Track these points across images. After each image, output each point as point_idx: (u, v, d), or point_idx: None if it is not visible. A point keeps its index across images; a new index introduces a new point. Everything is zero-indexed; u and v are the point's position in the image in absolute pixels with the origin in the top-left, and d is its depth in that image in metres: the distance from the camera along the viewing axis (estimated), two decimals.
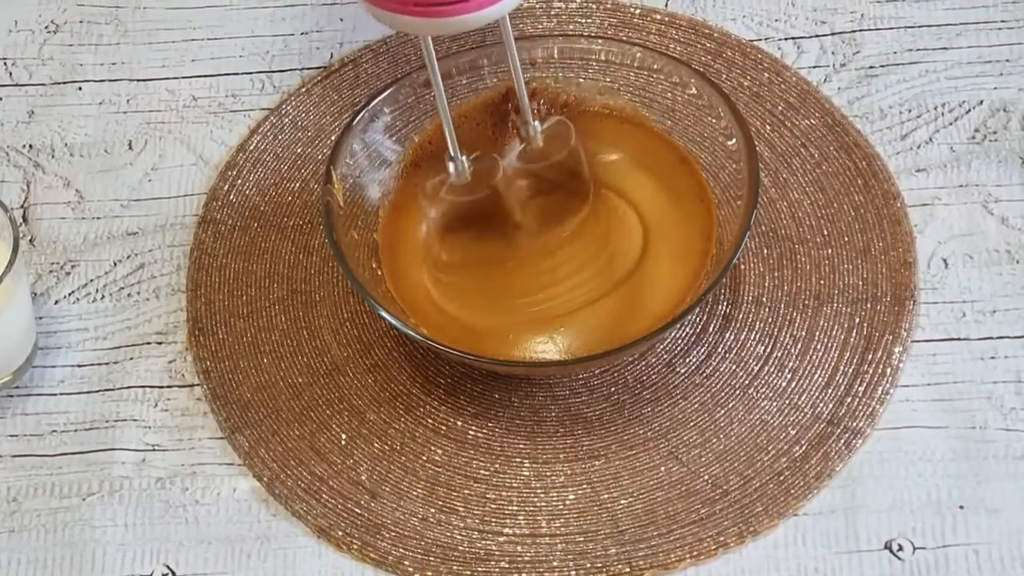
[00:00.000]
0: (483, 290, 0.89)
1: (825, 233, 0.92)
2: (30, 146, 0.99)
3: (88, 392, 0.90)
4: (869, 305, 0.90)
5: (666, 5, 1.02)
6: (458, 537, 0.85)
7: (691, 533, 0.84)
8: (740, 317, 0.90)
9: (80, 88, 1.02)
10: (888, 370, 0.88)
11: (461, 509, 0.85)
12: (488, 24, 0.79)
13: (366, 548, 0.85)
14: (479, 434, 0.88)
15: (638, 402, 0.88)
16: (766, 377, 0.88)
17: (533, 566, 0.83)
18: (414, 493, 0.86)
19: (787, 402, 0.87)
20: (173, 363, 0.91)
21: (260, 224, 0.95)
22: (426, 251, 0.90)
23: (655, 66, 0.91)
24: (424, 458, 0.87)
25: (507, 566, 0.84)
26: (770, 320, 0.90)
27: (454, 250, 0.90)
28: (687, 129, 0.92)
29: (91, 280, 0.94)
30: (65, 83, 1.02)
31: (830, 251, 0.92)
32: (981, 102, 0.96)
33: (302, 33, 1.03)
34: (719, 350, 0.89)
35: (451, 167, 0.88)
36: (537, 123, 0.89)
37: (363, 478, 0.87)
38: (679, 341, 0.90)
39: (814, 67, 0.99)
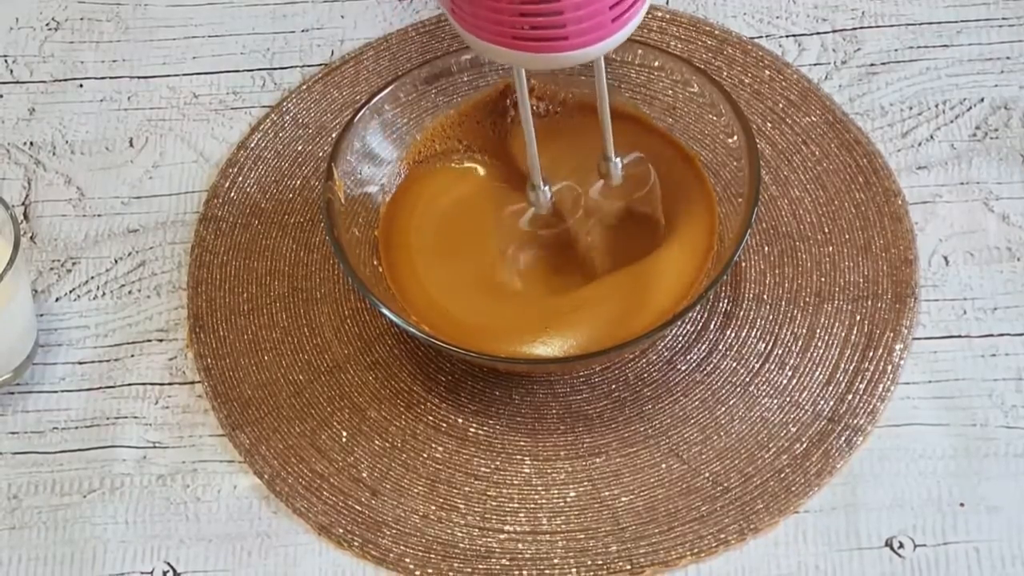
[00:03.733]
0: (484, 288, 0.89)
1: (826, 230, 0.92)
2: (31, 143, 0.99)
3: (89, 389, 0.90)
4: (870, 303, 0.90)
5: (667, 2, 1.02)
6: (459, 534, 0.85)
7: (692, 530, 0.84)
8: (741, 314, 0.90)
9: (81, 85, 1.02)
10: (889, 368, 0.88)
11: (462, 506, 0.85)
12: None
13: (367, 545, 0.85)
14: (480, 431, 0.88)
15: (639, 399, 0.88)
16: (767, 374, 0.88)
17: (534, 563, 0.83)
18: (415, 490, 0.86)
19: (788, 399, 0.87)
20: (174, 360, 0.91)
21: (261, 221, 0.95)
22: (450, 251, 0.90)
23: (656, 63, 0.91)
24: (425, 455, 0.87)
25: (508, 563, 0.84)
26: (771, 317, 0.90)
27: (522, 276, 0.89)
28: (688, 127, 0.92)
29: (92, 277, 0.94)
30: (66, 80, 1.02)
31: (831, 248, 0.92)
32: (982, 100, 0.96)
33: (303, 30, 1.03)
34: (720, 347, 0.89)
35: (532, 196, 0.88)
36: (618, 160, 0.88)
37: (364, 475, 0.87)
38: (680, 338, 0.90)
39: (815, 64, 0.99)
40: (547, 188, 0.88)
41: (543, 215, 0.89)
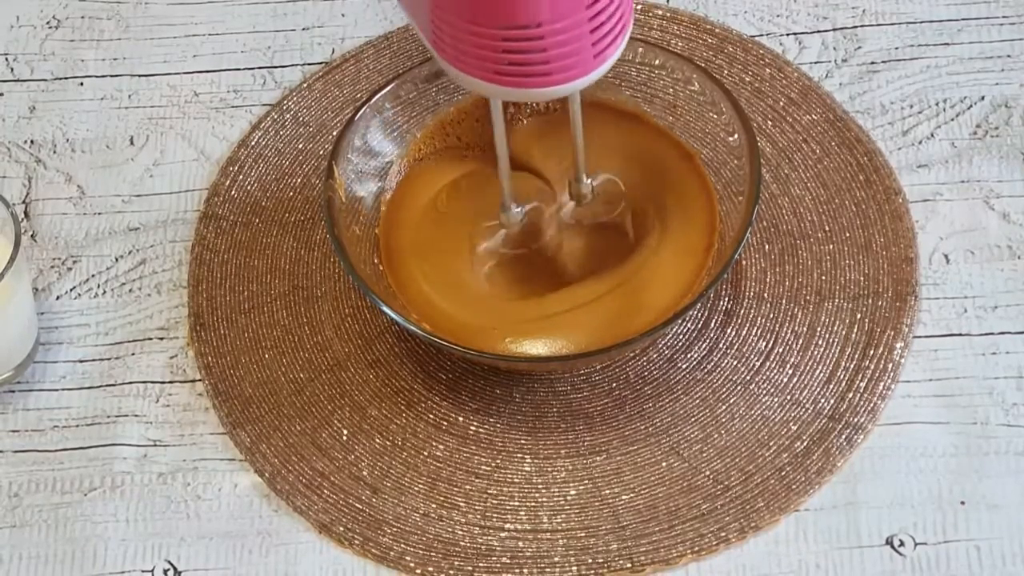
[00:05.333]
0: (485, 286, 0.89)
1: (826, 229, 0.92)
2: (31, 141, 0.99)
3: (89, 388, 0.90)
4: (870, 301, 0.90)
5: (668, 1, 1.02)
6: (459, 533, 0.85)
7: (692, 529, 0.84)
8: (741, 313, 0.90)
9: (81, 83, 1.02)
10: (889, 366, 0.88)
11: (463, 505, 0.85)
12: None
13: (367, 544, 0.85)
14: (480, 430, 0.88)
15: (639, 398, 0.88)
16: (767, 373, 0.88)
17: (534, 562, 0.83)
18: (415, 489, 0.86)
19: (788, 398, 0.87)
20: (174, 359, 0.91)
21: (262, 220, 0.95)
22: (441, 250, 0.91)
23: (657, 62, 0.91)
24: (426, 454, 0.87)
25: (508, 562, 0.84)
26: (771, 316, 0.90)
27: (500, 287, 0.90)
28: (689, 125, 0.92)
29: (92, 276, 0.94)
30: (66, 78, 1.02)
31: (831, 247, 0.92)
32: (983, 98, 0.96)
33: (303, 29, 1.03)
34: (720, 346, 0.89)
35: (503, 217, 0.88)
36: (588, 180, 0.89)
37: (364, 474, 0.87)
38: (681, 337, 0.90)
39: (816, 63, 0.99)
40: (520, 209, 0.89)
41: (514, 234, 0.89)
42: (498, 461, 0.87)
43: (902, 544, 0.83)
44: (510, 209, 0.88)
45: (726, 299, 0.90)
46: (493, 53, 0.75)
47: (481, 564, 0.84)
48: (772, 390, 0.87)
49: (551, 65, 0.75)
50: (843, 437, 0.86)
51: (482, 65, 0.75)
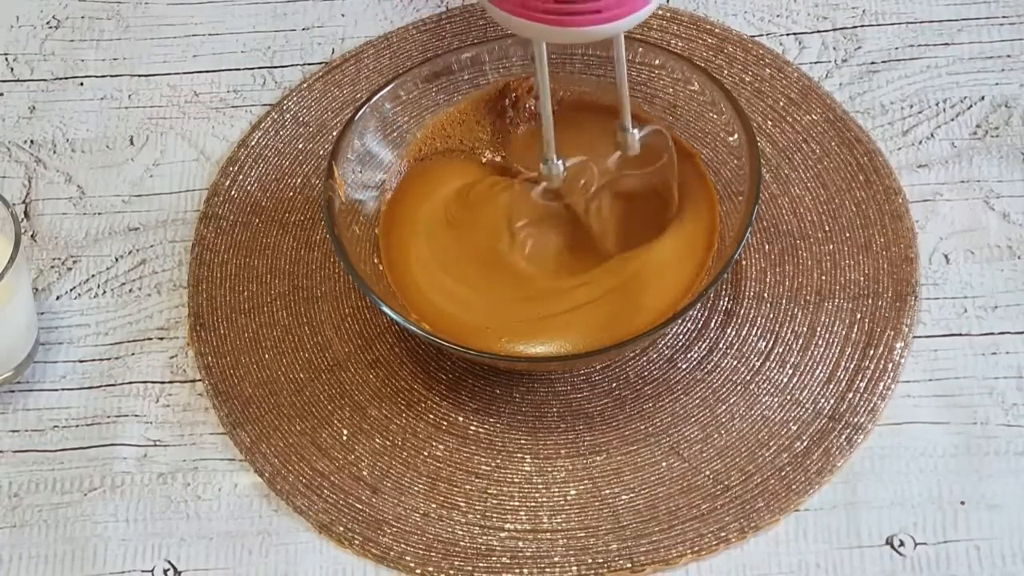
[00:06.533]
0: (485, 286, 0.89)
1: (826, 229, 0.92)
2: (31, 142, 0.99)
3: (89, 388, 0.90)
4: (870, 301, 0.90)
5: (668, 1, 1.02)
6: (459, 533, 0.85)
7: (692, 529, 0.84)
8: (741, 313, 0.90)
9: (81, 84, 1.02)
10: (889, 366, 0.88)
11: (463, 505, 0.85)
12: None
13: (367, 544, 0.85)
14: (480, 430, 0.88)
15: (639, 398, 0.88)
16: (767, 373, 0.88)
17: (534, 561, 0.83)
18: (415, 489, 0.86)
19: (788, 398, 0.87)
20: (174, 359, 0.91)
21: (262, 220, 0.95)
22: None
23: (657, 62, 0.91)
24: (425, 454, 0.87)
25: (508, 561, 0.84)
26: (771, 316, 0.90)
27: (532, 256, 0.89)
28: (689, 125, 0.92)
29: (92, 276, 0.94)
30: (66, 78, 1.02)
31: (831, 247, 0.92)
32: (983, 98, 0.96)
33: (303, 29, 1.03)
34: (720, 346, 0.89)
35: (544, 170, 0.87)
36: (635, 130, 0.88)
37: (364, 474, 0.87)
38: (681, 336, 0.90)
39: (816, 63, 0.99)
40: (560, 162, 0.87)
41: (555, 188, 0.88)
42: (498, 461, 0.87)
43: (902, 544, 0.83)
44: (551, 160, 0.87)
45: (726, 299, 0.90)
46: None
47: (481, 564, 0.84)
48: (772, 390, 0.87)
49: (602, 2, 0.74)
50: (843, 437, 0.86)
51: (530, 4, 0.74)
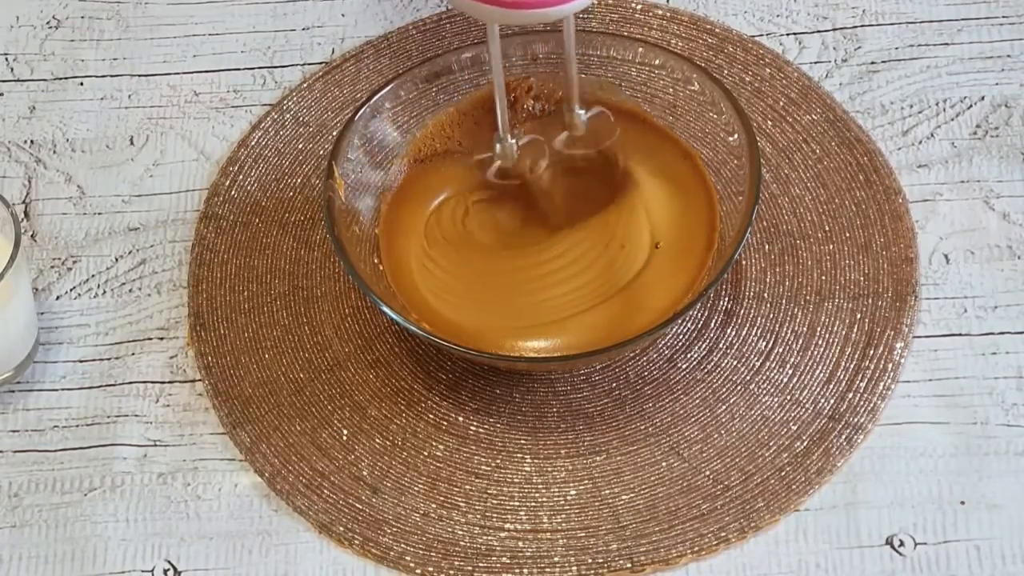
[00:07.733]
0: (485, 286, 0.89)
1: (826, 229, 0.92)
2: (31, 142, 0.99)
3: (89, 388, 0.90)
4: (870, 301, 0.90)
5: (668, 1, 1.02)
6: (459, 533, 0.85)
7: (692, 528, 0.84)
8: (741, 313, 0.90)
9: (81, 83, 1.02)
10: (889, 366, 0.88)
11: (462, 505, 0.85)
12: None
13: (367, 544, 0.85)
14: (480, 430, 0.88)
15: (639, 398, 0.88)
16: (767, 373, 0.88)
17: (534, 562, 0.83)
18: (415, 489, 0.86)
19: (788, 398, 0.87)
20: (174, 359, 0.91)
21: (262, 220, 0.95)
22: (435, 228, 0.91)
23: (657, 62, 0.92)
24: (425, 454, 0.87)
25: (508, 562, 0.84)
26: (771, 316, 0.90)
27: (484, 227, 0.91)
28: (689, 125, 0.92)
29: (92, 276, 0.94)
30: (66, 78, 1.02)
31: (831, 247, 0.92)
32: (983, 98, 0.96)
33: (303, 28, 1.03)
34: (720, 346, 0.89)
35: (498, 148, 0.89)
36: (582, 111, 0.90)
37: (364, 474, 0.87)
38: (680, 336, 0.90)
39: (816, 63, 0.99)
40: (514, 141, 0.89)
41: (508, 166, 0.90)
42: (498, 461, 0.87)
43: (902, 544, 0.83)
44: (505, 140, 0.89)
45: (726, 299, 0.90)
46: None
47: (481, 564, 0.84)
48: (772, 390, 0.87)
49: None
50: (843, 437, 0.86)
51: None
